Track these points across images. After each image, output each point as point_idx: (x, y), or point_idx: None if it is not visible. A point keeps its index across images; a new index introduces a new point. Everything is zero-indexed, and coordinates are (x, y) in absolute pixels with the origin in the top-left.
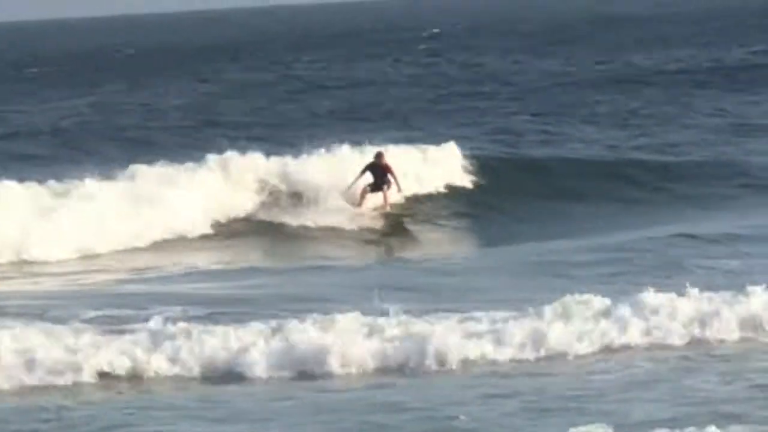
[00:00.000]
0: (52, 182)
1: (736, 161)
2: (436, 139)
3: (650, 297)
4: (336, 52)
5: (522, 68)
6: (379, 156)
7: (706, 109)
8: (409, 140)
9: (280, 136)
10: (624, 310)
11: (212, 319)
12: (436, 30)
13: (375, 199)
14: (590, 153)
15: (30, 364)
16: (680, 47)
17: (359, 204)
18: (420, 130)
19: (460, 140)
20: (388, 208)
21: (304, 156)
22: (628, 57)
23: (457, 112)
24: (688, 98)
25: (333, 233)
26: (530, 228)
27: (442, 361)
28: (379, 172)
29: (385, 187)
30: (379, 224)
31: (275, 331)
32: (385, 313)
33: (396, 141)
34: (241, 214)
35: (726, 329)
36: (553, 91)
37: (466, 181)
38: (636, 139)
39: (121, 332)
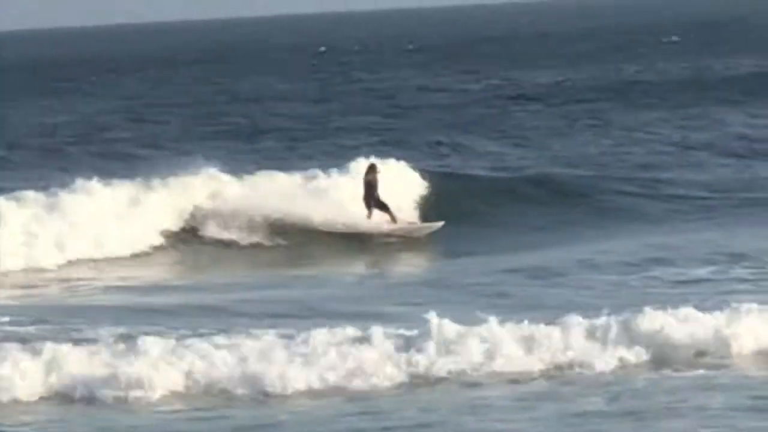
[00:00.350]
0: None
1: (626, 175)
2: (327, 155)
3: (536, 325)
4: (221, 67)
5: (411, 85)
6: (368, 169)
7: (592, 122)
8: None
9: (166, 149)
10: (511, 331)
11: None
12: (322, 48)
13: (380, 215)
14: (485, 166)
15: None
16: (572, 65)
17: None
18: (304, 141)
19: (351, 153)
20: (395, 225)
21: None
22: (520, 74)
23: (345, 127)
24: (577, 114)
25: (252, 250)
26: (441, 242)
27: (285, 384)
28: (367, 187)
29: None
30: (302, 240)
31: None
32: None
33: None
34: (169, 235)
35: (611, 353)
36: (445, 107)
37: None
38: (528, 152)
39: None
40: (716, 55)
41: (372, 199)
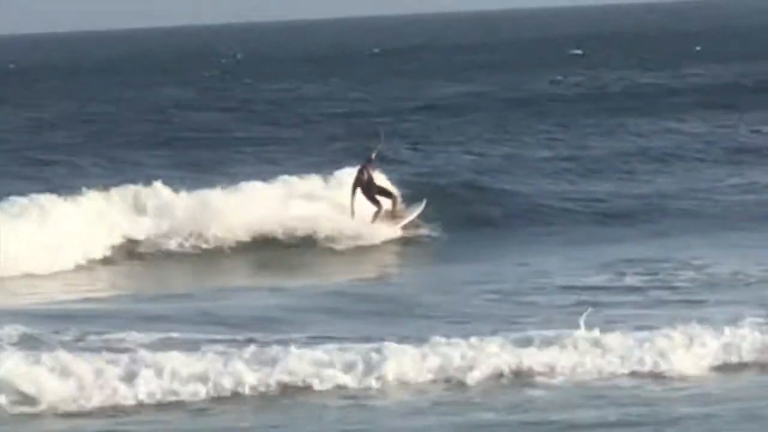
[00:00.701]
0: None
1: (526, 183)
2: (236, 164)
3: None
4: (124, 77)
5: (309, 95)
6: (360, 170)
7: (493, 133)
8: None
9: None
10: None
11: None
12: (224, 60)
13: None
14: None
15: None
16: (476, 77)
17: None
18: (209, 150)
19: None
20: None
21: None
22: (423, 85)
23: (245, 137)
24: (480, 124)
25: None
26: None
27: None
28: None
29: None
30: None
31: None
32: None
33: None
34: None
35: (483, 370)
36: (343, 116)
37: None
38: (431, 160)
39: None
40: (615, 67)
41: (374, 190)
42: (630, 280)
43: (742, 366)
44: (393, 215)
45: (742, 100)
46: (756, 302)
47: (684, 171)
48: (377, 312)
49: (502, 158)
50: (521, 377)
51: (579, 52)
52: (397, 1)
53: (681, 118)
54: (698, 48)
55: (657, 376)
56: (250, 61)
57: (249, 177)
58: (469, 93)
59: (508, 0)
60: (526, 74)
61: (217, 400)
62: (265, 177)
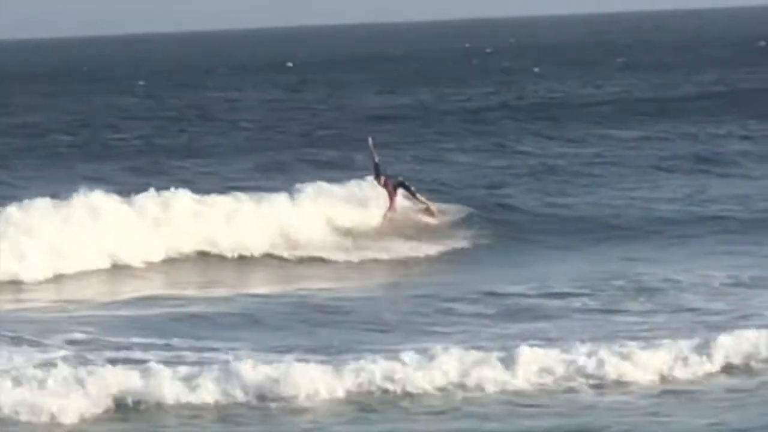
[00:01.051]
0: None
1: (453, 197)
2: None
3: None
4: (49, 86)
5: (237, 103)
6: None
7: (407, 146)
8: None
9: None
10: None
11: None
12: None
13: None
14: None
15: None
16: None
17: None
18: (136, 158)
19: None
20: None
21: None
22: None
23: (167, 145)
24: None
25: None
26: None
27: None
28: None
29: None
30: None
31: None
32: None
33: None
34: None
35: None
36: (264, 127)
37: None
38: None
39: None
40: (541, 77)
41: (393, 188)
42: (558, 288)
43: (672, 378)
44: (427, 212)
45: (669, 108)
46: (686, 311)
47: (619, 178)
48: (299, 320)
49: (433, 165)
50: (456, 387)
51: (506, 64)
52: (319, 12)
53: (610, 126)
54: (621, 59)
55: (590, 387)
56: (180, 69)
57: (195, 187)
58: (398, 104)
59: (436, 12)
60: (454, 86)
61: (137, 411)
62: (217, 188)
